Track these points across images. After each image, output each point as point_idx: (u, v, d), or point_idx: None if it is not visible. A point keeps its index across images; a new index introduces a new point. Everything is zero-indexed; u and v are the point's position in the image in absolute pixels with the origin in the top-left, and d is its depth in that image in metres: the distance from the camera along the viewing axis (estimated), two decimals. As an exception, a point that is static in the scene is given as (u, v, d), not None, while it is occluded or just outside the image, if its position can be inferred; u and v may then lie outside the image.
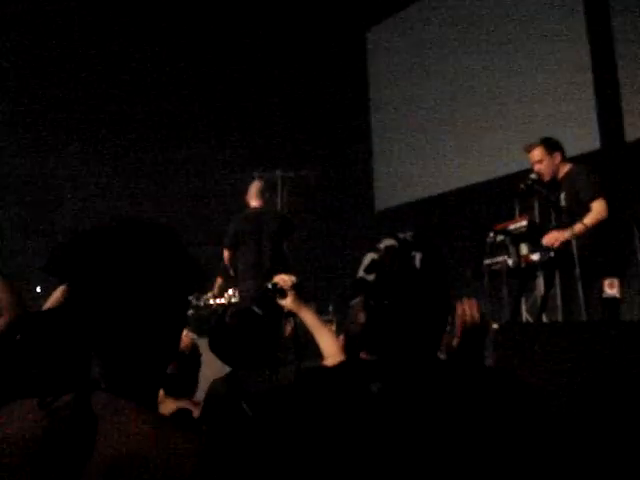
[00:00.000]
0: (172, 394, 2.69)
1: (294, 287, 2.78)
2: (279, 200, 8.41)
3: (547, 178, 4.77)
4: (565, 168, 4.79)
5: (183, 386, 2.72)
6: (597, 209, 4.48)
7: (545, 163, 4.75)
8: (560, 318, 5.39)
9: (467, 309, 2.28)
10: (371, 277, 1.51)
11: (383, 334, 1.53)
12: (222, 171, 8.64)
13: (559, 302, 5.47)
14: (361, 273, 1.54)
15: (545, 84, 7.36)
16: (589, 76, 6.97)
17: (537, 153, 4.79)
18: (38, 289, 7.30)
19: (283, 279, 2.81)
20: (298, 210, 8.64)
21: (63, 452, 1.01)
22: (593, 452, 2.86)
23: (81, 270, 1.12)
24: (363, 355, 1.58)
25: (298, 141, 9.04)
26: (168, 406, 2.60)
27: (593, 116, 6.92)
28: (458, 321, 2.33)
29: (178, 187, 8.91)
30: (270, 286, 2.82)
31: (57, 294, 2.56)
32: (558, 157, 4.77)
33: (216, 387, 2.69)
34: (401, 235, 1.56)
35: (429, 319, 1.52)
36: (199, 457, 1.00)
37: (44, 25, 7.76)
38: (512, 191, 5.35)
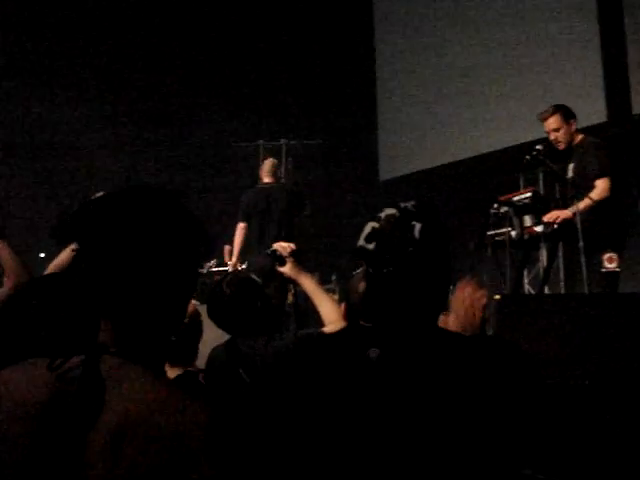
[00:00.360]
0: (171, 361, 2.68)
1: (293, 254, 2.80)
2: (283, 169, 8.40)
3: (563, 146, 4.68)
4: (578, 138, 4.73)
5: (182, 354, 2.71)
6: (601, 187, 4.44)
7: (562, 131, 4.66)
8: (562, 290, 5.41)
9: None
10: (371, 246, 1.51)
11: (382, 302, 1.53)
12: (228, 139, 8.60)
13: (562, 274, 5.49)
14: (361, 242, 1.54)
15: (553, 56, 7.29)
16: (597, 48, 6.90)
17: (553, 121, 4.69)
18: (42, 255, 7.34)
19: (282, 246, 2.83)
20: (302, 179, 8.63)
21: (71, 414, 1.01)
22: (589, 422, 2.89)
23: (90, 236, 1.13)
24: (363, 322, 1.59)
25: (303, 110, 8.99)
26: (167, 373, 2.60)
27: (600, 88, 6.87)
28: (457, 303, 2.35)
29: (184, 154, 8.91)
30: (269, 253, 2.85)
31: (64, 255, 2.57)
32: (574, 125, 4.70)
33: (216, 354, 2.70)
34: (402, 204, 1.55)
35: (428, 288, 1.53)
36: (208, 425, 1.01)
37: None
38: (517, 162, 5.32)
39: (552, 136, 4.69)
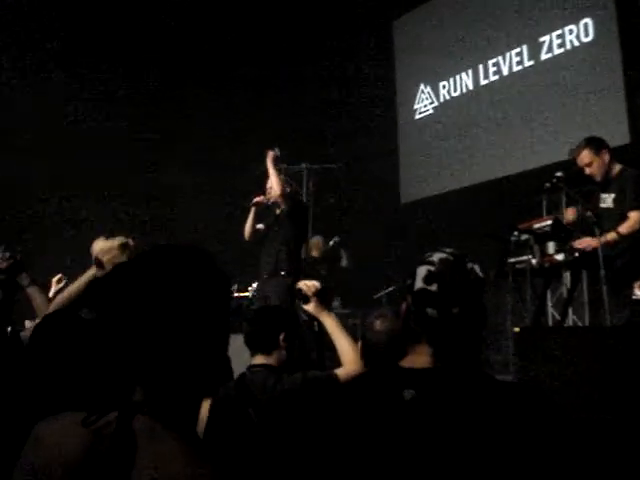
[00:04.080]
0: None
1: (317, 293, 2.85)
2: (304, 193, 8.43)
3: (599, 179, 4.60)
4: (616, 169, 4.63)
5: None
6: (634, 219, 4.35)
7: (595, 165, 4.57)
8: (587, 317, 5.34)
9: None
10: (433, 287, 1.52)
11: (446, 342, 1.54)
12: (249, 164, 8.64)
13: (586, 300, 5.42)
14: (420, 284, 1.54)
15: (575, 77, 7.24)
16: (619, 70, 6.84)
17: (585, 155, 4.60)
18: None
19: (307, 285, 2.88)
20: (324, 203, 8.64)
21: (102, 473, 1.02)
22: (612, 458, 2.83)
23: (119, 302, 1.14)
24: (403, 363, 1.58)
25: (324, 133, 9.03)
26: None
27: (623, 110, 6.80)
28: None
29: (205, 179, 8.97)
30: (295, 291, 2.92)
31: (81, 281, 2.60)
32: (606, 155, 4.59)
33: (226, 392, 2.71)
34: (446, 249, 1.59)
35: (477, 329, 1.57)
36: None
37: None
38: (539, 186, 5.27)
39: (587, 171, 4.60)
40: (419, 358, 1.55)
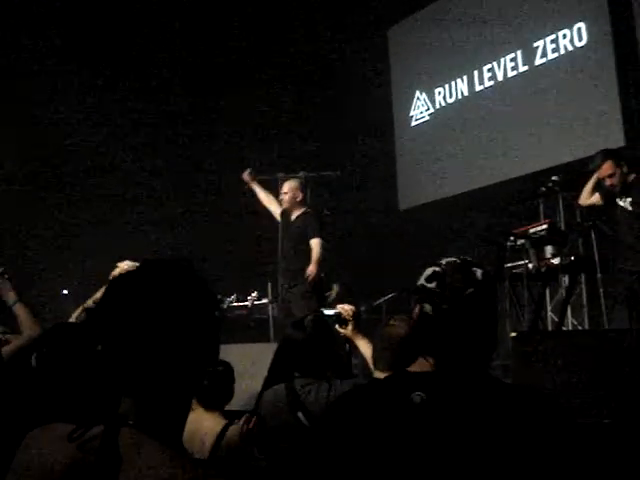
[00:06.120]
0: (204, 404, 2.74)
1: (354, 317, 2.97)
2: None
3: (618, 189, 4.74)
4: (631, 176, 4.77)
5: (217, 398, 2.80)
6: None
7: (617, 175, 4.71)
8: (586, 320, 5.35)
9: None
10: (432, 285, 1.56)
11: (436, 340, 1.56)
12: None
13: (585, 303, 5.43)
14: (422, 281, 1.59)
15: (571, 81, 7.25)
16: (613, 73, 6.85)
17: (607, 167, 4.73)
18: (65, 292, 7.46)
19: (345, 309, 3.00)
20: (322, 211, 8.65)
21: None
22: (610, 462, 2.83)
23: (105, 315, 1.16)
24: (412, 367, 1.59)
25: (321, 142, 9.04)
26: (200, 415, 2.69)
27: (618, 113, 6.81)
28: None
29: (201, 189, 9.01)
30: (333, 314, 3.01)
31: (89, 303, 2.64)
32: (625, 166, 4.75)
33: (274, 397, 2.77)
34: (461, 257, 1.63)
35: (479, 332, 1.57)
36: None
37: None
38: (535, 192, 5.30)
39: (607, 182, 4.70)
40: (426, 363, 1.57)
